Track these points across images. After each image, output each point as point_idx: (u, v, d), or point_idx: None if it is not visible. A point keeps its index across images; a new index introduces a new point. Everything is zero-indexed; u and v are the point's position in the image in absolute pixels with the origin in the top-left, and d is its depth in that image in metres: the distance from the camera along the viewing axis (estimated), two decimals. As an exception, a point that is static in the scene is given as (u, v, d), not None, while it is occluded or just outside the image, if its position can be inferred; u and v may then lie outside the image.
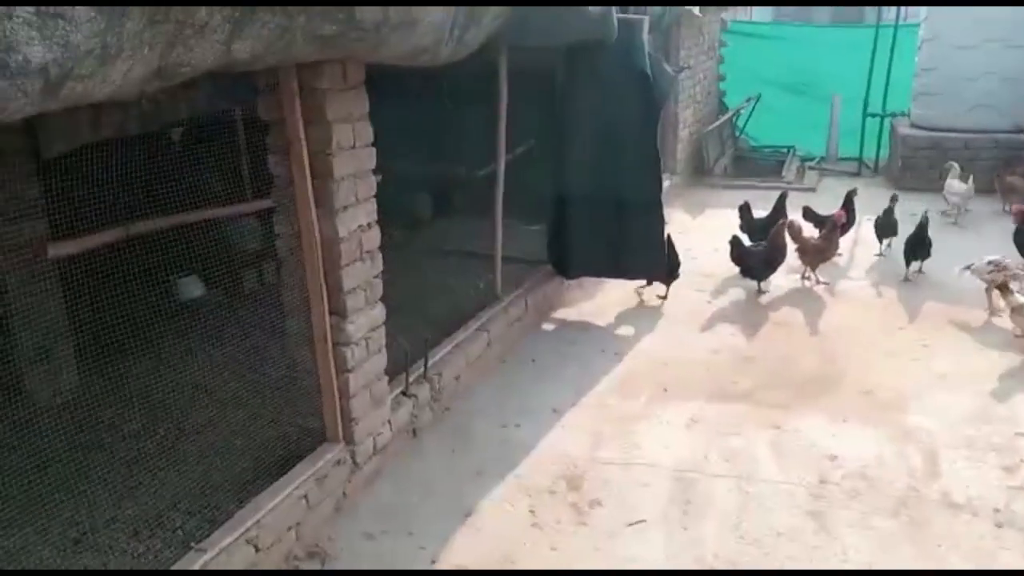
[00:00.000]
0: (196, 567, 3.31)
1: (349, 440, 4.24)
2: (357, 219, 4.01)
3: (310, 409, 4.23)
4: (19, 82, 1.88)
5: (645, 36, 6.19)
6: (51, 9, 1.89)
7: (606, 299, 7.16)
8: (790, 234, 7.25)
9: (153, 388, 4.30)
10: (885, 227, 7.84)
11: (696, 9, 10.36)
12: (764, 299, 7.08)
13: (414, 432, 4.87)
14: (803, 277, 7.39)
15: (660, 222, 6.67)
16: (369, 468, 4.42)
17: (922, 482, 4.35)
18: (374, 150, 4.08)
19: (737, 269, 7.30)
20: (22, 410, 3.84)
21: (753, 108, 12.59)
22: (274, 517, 3.70)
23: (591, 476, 4.49)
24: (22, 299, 4.18)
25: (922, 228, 7.22)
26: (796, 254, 7.33)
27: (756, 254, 7.14)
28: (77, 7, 1.94)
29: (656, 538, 3.95)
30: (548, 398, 5.35)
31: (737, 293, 7.25)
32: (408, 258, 6.69)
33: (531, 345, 6.25)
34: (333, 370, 4.08)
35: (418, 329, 5.25)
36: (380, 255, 4.27)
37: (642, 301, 7.07)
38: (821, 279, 7.35)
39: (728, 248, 7.27)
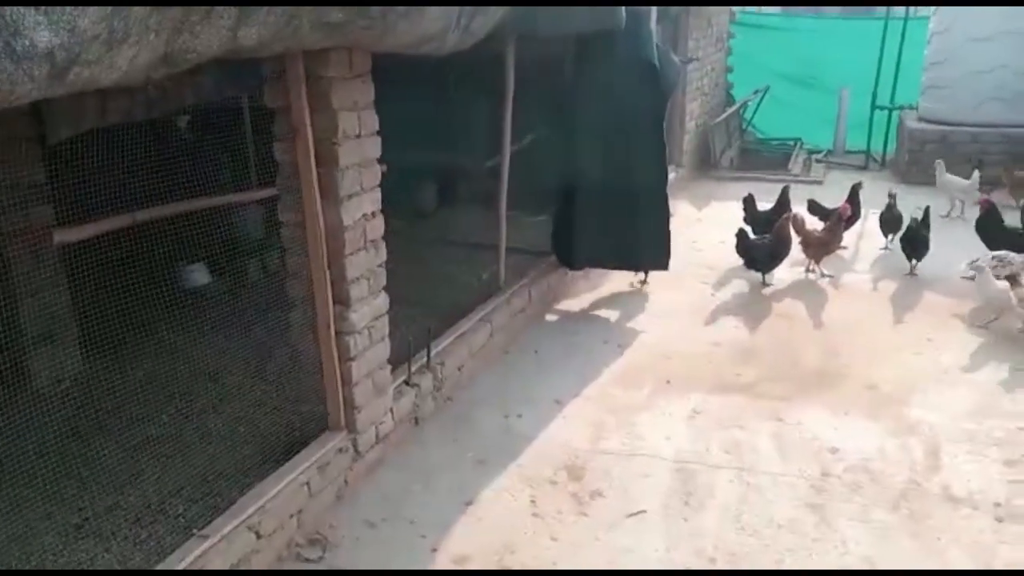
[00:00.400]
0: (198, 552, 3.33)
1: (351, 428, 4.25)
2: (362, 208, 4.01)
3: (313, 397, 4.25)
4: (25, 66, 1.89)
5: (653, 26, 6.18)
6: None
7: (610, 290, 7.16)
8: (794, 227, 7.25)
9: (157, 375, 4.32)
10: (889, 221, 7.82)
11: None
12: (767, 291, 7.08)
13: (416, 421, 4.89)
14: (807, 270, 7.39)
15: (666, 213, 6.66)
16: (371, 456, 4.43)
17: (923, 475, 4.35)
18: (379, 139, 4.07)
19: (741, 261, 7.29)
20: (25, 395, 3.86)
21: (761, 100, 12.55)
22: (276, 504, 3.71)
23: (592, 467, 4.50)
24: (26, 285, 4.19)
25: (918, 225, 7.19)
26: (800, 247, 7.32)
27: (761, 247, 7.13)
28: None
29: (656, 529, 3.96)
30: (550, 389, 5.36)
31: (741, 285, 7.24)
32: (412, 248, 6.70)
33: (534, 336, 6.26)
34: (336, 358, 4.08)
35: (421, 319, 5.27)
36: (384, 244, 4.27)
37: (640, 290, 7.08)
38: (825, 272, 7.35)
39: (734, 240, 7.26)
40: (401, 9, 3.12)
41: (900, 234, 7.54)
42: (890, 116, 11.88)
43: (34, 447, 3.63)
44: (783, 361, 5.75)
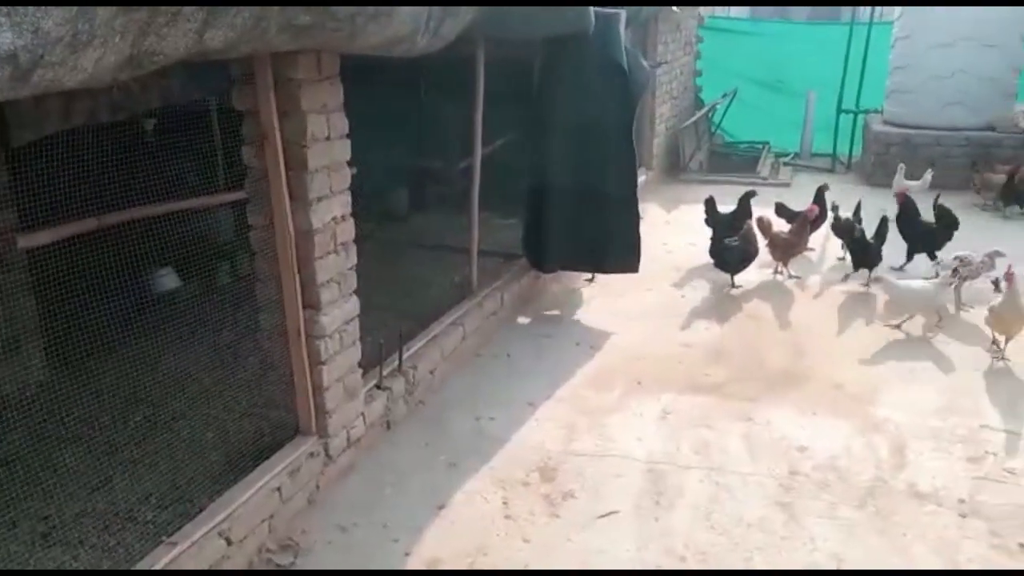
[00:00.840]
0: (167, 559, 3.29)
1: (323, 433, 4.23)
2: (331, 211, 4.00)
3: (284, 402, 4.22)
4: (-13, 68, 1.87)
5: (622, 30, 6.22)
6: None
7: (582, 293, 7.19)
8: (760, 229, 7.35)
9: (125, 381, 4.26)
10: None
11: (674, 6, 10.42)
12: (736, 292, 7.16)
13: (388, 425, 4.87)
14: (775, 271, 7.47)
15: (635, 216, 6.71)
16: (343, 461, 4.42)
17: (889, 473, 4.42)
18: (349, 142, 4.06)
19: (710, 263, 7.37)
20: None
21: (729, 104, 12.68)
22: (246, 510, 3.68)
23: (565, 468, 4.51)
24: (-10, 290, 4.12)
25: (862, 236, 7.23)
26: (767, 248, 7.41)
27: (734, 249, 7.21)
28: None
29: (627, 529, 3.99)
30: (523, 391, 5.37)
31: (710, 287, 7.31)
32: (384, 251, 6.69)
33: (506, 338, 6.27)
34: (307, 363, 4.06)
35: (393, 323, 5.26)
36: (354, 247, 4.25)
37: (586, 286, 7.13)
38: (792, 273, 7.45)
39: (703, 243, 7.33)
40: (370, 11, 3.12)
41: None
42: (855, 120, 12.07)
43: (-1, 455, 3.57)
44: (752, 362, 5.81)
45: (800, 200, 8.39)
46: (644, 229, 6.94)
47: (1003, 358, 5.70)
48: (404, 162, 7.73)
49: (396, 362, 4.99)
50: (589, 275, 7.28)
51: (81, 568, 3.42)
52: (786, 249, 7.34)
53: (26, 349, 4.61)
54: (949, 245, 7.32)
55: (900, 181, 9.05)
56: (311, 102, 3.73)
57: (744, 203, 7.89)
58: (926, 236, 7.47)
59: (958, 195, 9.94)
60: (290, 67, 3.60)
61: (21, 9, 1.89)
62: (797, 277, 7.43)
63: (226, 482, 3.82)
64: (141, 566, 3.25)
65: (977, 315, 6.33)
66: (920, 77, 10.69)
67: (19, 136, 3.59)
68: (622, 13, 6.24)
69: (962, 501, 4.17)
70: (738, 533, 3.94)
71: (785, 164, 12.14)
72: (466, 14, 3.98)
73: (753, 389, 5.38)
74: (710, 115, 12.82)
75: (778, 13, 16.34)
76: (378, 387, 4.79)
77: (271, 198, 3.78)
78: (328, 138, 3.88)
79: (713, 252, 7.27)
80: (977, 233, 7.79)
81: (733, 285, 7.27)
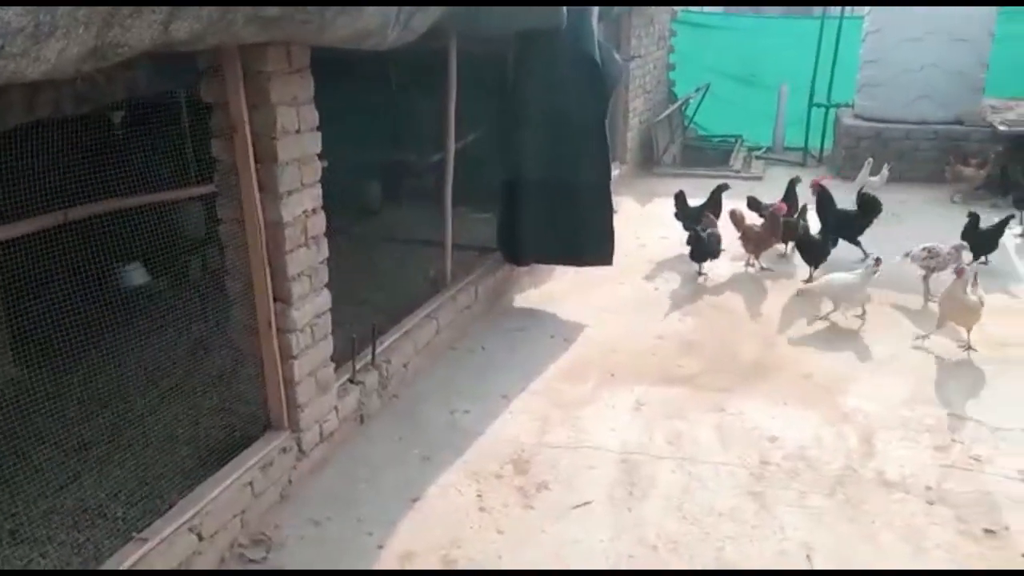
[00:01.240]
0: (137, 556, 3.27)
1: (295, 427, 4.22)
2: (302, 204, 3.97)
3: (255, 397, 4.20)
4: (-55, 59, 1.84)
5: (595, 23, 6.23)
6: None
7: (556, 286, 7.21)
8: (733, 222, 7.43)
9: (95, 377, 4.21)
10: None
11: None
12: (709, 285, 7.22)
13: (361, 419, 4.86)
14: (747, 264, 7.53)
15: (609, 209, 6.73)
16: (316, 455, 4.40)
17: (858, 462, 4.48)
18: (319, 134, 4.04)
19: (684, 256, 7.45)
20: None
21: (702, 98, 12.74)
22: (218, 505, 3.67)
23: (538, 460, 4.53)
24: (-46, 286, 4.05)
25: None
26: (740, 241, 7.48)
27: (709, 237, 7.34)
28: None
29: (601, 519, 4.01)
30: (497, 384, 5.38)
31: (683, 280, 7.36)
32: (357, 245, 6.66)
33: (481, 332, 6.27)
34: (278, 357, 4.05)
35: (366, 316, 5.24)
36: (325, 241, 4.23)
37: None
38: (764, 265, 7.51)
39: (676, 236, 7.39)
40: (339, 4, 3.10)
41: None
42: (827, 113, 12.18)
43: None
44: (724, 353, 5.86)
45: (772, 193, 8.48)
46: (618, 222, 6.96)
47: (963, 346, 5.80)
48: (377, 156, 7.69)
49: (369, 356, 4.98)
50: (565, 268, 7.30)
51: (50, 567, 3.38)
52: (758, 242, 7.41)
53: (-7, 345, 4.55)
54: (891, 234, 7.45)
55: (864, 177, 9.12)
56: (281, 95, 3.70)
57: (715, 196, 7.96)
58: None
59: (929, 188, 10.13)
60: (259, 59, 3.58)
61: (-20, -1, 1.87)
62: (768, 269, 7.50)
63: (197, 478, 3.80)
64: (111, 562, 3.24)
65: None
66: (890, 71, 10.80)
67: (-18, 129, 3.53)
68: (595, 8, 6.25)
69: (929, 488, 4.23)
70: (710, 522, 3.98)
71: (758, 158, 12.22)
72: (436, 8, 3.97)
73: (725, 380, 5.43)
74: (683, 109, 12.88)
75: (751, 11, 16.43)
76: (351, 381, 4.78)
77: (241, 191, 3.75)
78: (298, 131, 3.86)
79: (693, 240, 7.39)
80: (950, 224, 7.87)
81: (700, 273, 7.40)
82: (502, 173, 6.63)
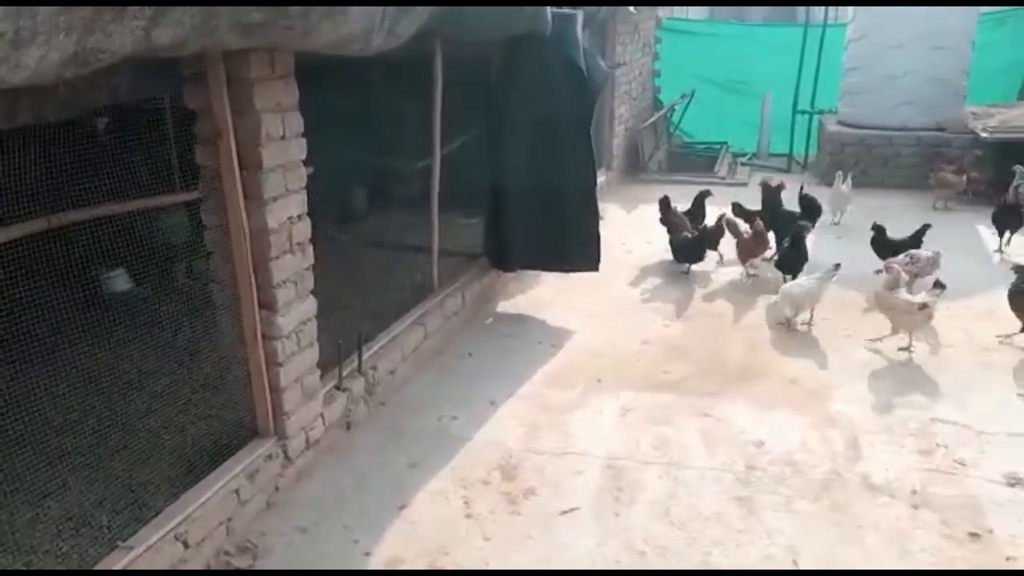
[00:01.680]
0: (122, 564, 3.25)
1: (281, 434, 4.20)
2: (287, 210, 3.96)
3: (241, 404, 4.18)
4: (-75, 65, 1.82)
5: (579, 30, 6.25)
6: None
7: (543, 291, 7.22)
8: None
9: (79, 384, 4.18)
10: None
11: (631, 7, 10.50)
12: (696, 292, 7.23)
13: (348, 426, 4.85)
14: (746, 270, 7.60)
15: (595, 215, 6.75)
16: (302, 462, 4.38)
17: (844, 466, 4.50)
18: (304, 141, 4.03)
19: (669, 262, 7.53)
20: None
21: (687, 105, 12.81)
22: (203, 513, 3.65)
23: (526, 466, 4.53)
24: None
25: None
26: (735, 248, 7.54)
27: (693, 239, 7.49)
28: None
29: (588, 525, 4.01)
30: (485, 390, 5.38)
31: (669, 285, 7.39)
32: (343, 252, 6.64)
33: (468, 338, 6.27)
34: (263, 364, 4.03)
35: (353, 323, 5.23)
36: (311, 247, 4.22)
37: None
38: (751, 272, 7.55)
39: (661, 242, 7.45)
40: (323, 8, 3.10)
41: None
42: (811, 120, 12.27)
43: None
44: (709, 358, 5.88)
45: (757, 199, 8.48)
46: (604, 228, 6.99)
47: (903, 349, 5.91)
48: (363, 161, 7.68)
49: (356, 363, 4.97)
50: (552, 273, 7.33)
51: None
52: (746, 250, 7.46)
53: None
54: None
55: (838, 186, 9.10)
56: (265, 101, 3.69)
57: (698, 203, 8.02)
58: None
59: (909, 195, 10.20)
60: (243, 66, 3.57)
61: (-40, 5, 1.85)
62: (754, 275, 7.53)
63: (183, 485, 3.77)
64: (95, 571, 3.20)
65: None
66: (873, 78, 10.89)
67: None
68: (579, 14, 6.28)
69: (914, 492, 4.25)
70: (696, 527, 3.98)
71: (743, 164, 12.29)
72: (421, 14, 3.98)
73: (711, 385, 5.45)
74: (669, 116, 12.93)
75: (735, 14, 16.53)
76: (337, 388, 4.77)
77: (225, 198, 3.74)
78: (283, 137, 3.85)
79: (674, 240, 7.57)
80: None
81: (686, 272, 7.53)
82: (488, 179, 6.64)
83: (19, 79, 2.15)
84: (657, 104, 13.14)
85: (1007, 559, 3.76)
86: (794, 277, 6.95)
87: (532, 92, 6.21)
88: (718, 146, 12.85)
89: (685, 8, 16.22)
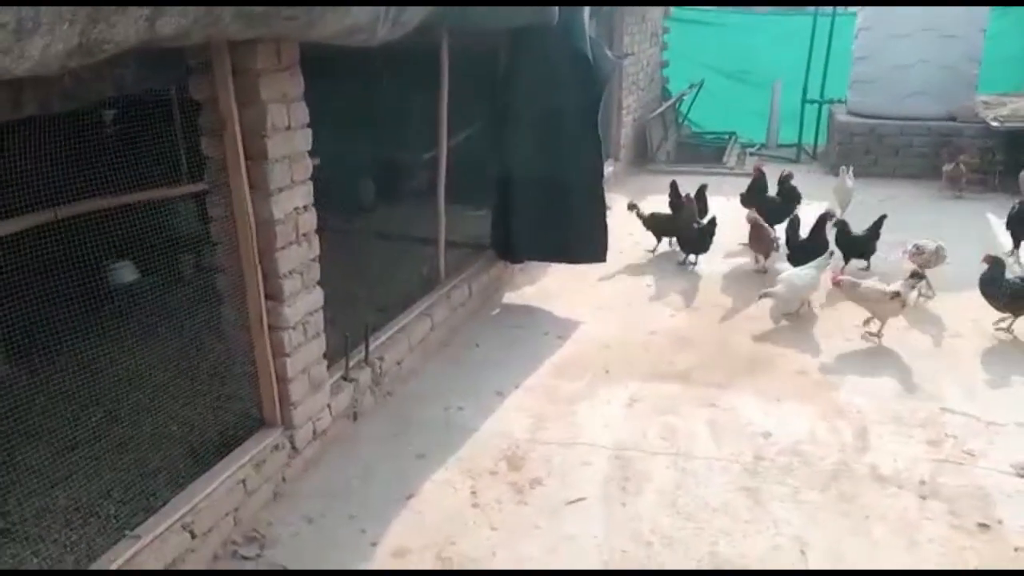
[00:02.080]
0: (130, 554, 3.26)
1: (288, 425, 4.21)
2: (293, 201, 3.96)
3: (248, 394, 4.19)
4: (-72, 55, 1.83)
5: (586, 20, 6.22)
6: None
7: (550, 283, 7.21)
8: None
9: (87, 375, 4.20)
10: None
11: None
12: (702, 282, 7.21)
13: (355, 416, 4.86)
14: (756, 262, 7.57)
15: (602, 206, 6.72)
16: (309, 453, 4.40)
17: (852, 457, 4.48)
18: (310, 131, 4.02)
19: (676, 253, 7.53)
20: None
21: (696, 95, 12.74)
22: (211, 503, 3.66)
23: (533, 456, 4.53)
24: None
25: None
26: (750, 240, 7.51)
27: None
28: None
29: (595, 515, 4.01)
30: (491, 381, 5.38)
31: (676, 276, 7.37)
32: (350, 243, 6.64)
33: (475, 329, 6.27)
34: (270, 354, 4.04)
35: (360, 314, 5.23)
36: (317, 238, 4.22)
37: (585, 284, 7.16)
38: (760, 260, 7.52)
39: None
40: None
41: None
42: (820, 110, 12.19)
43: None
44: (717, 349, 5.86)
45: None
46: (611, 219, 6.97)
47: (872, 334, 5.94)
48: (370, 153, 7.68)
49: (363, 353, 4.97)
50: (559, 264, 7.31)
51: (43, 565, 3.37)
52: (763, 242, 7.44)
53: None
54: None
55: (844, 180, 8.95)
56: (271, 92, 3.69)
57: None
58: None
59: (918, 185, 10.15)
60: (249, 56, 3.56)
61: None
62: (763, 267, 7.51)
63: (190, 475, 3.79)
64: (103, 560, 3.23)
65: (937, 302, 6.45)
66: (882, 68, 10.81)
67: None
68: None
69: (923, 483, 4.24)
70: (704, 518, 3.98)
71: (751, 154, 12.23)
72: (425, 6, 3.96)
73: (718, 376, 5.43)
74: (677, 106, 12.87)
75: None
76: (344, 378, 4.78)
77: (231, 189, 3.74)
78: (289, 128, 3.84)
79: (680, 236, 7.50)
80: (938, 219, 7.89)
81: (687, 263, 7.55)
82: (495, 170, 6.62)
83: (23, 69, 2.15)
84: (665, 94, 13.08)
85: (1015, 550, 3.74)
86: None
87: (539, 83, 6.18)
88: (727, 136, 12.79)
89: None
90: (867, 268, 7.21)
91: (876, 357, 5.68)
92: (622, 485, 4.25)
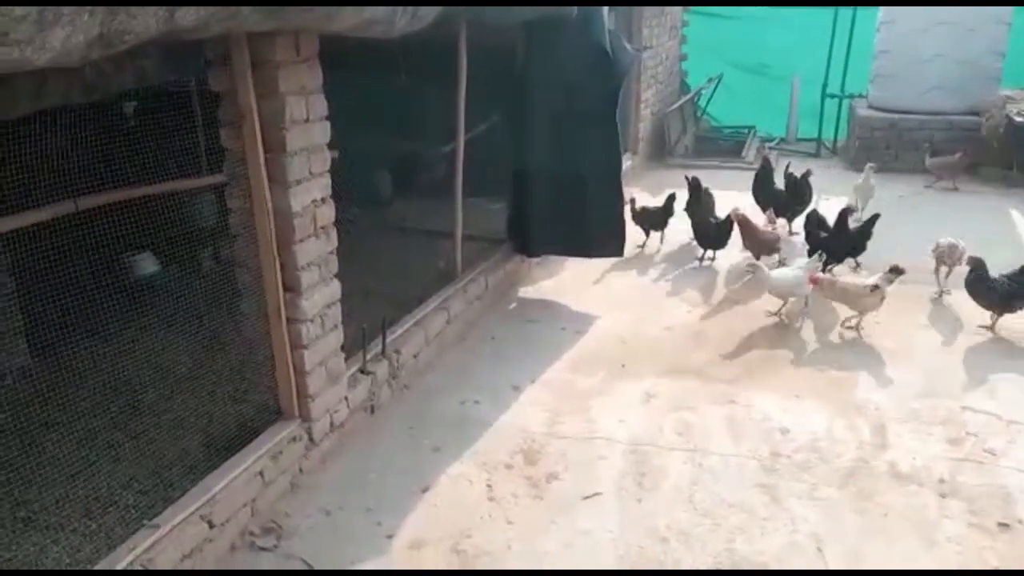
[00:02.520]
0: (148, 543, 3.29)
1: (305, 417, 4.23)
2: (311, 194, 3.97)
3: (266, 386, 4.21)
4: (-49, 46, 1.84)
5: (605, 13, 6.19)
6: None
7: (567, 277, 7.20)
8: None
9: (107, 366, 4.24)
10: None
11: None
12: (720, 279, 7.17)
13: (372, 409, 4.87)
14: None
15: (620, 200, 6.70)
16: (326, 445, 4.41)
17: (870, 454, 4.45)
18: (328, 124, 4.03)
19: (694, 247, 7.49)
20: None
21: (715, 89, 12.66)
22: (228, 493, 3.68)
23: (548, 451, 4.52)
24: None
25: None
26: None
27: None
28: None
29: (611, 510, 4.00)
30: (507, 375, 5.38)
31: (693, 271, 7.33)
32: (367, 236, 6.65)
33: (491, 323, 6.27)
34: (288, 347, 4.05)
35: (377, 307, 5.24)
36: (335, 231, 4.23)
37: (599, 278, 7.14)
38: (779, 258, 7.47)
39: (687, 227, 7.46)
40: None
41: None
42: (840, 104, 12.07)
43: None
44: (733, 345, 5.83)
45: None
46: (629, 213, 6.94)
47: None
48: (388, 146, 7.68)
49: (380, 346, 4.98)
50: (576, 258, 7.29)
51: (63, 554, 3.40)
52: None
53: (7, 334, 4.58)
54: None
55: (868, 179, 8.81)
56: (289, 84, 3.69)
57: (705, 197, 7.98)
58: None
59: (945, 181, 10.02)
60: (268, 48, 3.57)
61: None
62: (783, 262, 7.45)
63: (208, 466, 3.81)
64: (122, 549, 3.25)
65: (957, 301, 6.38)
66: (904, 62, 10.70)
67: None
68: (605, -3, 6.22)
69: (942, 481, 4.20)
70: (720, 514, 3.96)
71: (771, 149, 12.12)
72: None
73: (735, 372, 5.41)
74: (696, 100, 12.79)
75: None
76: (361, 371, 4.79)
77: (250, 181, 3.75)
78: (307, 120, 3.85)
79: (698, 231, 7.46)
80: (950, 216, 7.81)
81: (703, 259, 7.49)
82: (512, 164, 6.61)
83: (44, 60, 2.16)
84: (684, 88, 13.00)
85: (1037, 550, 3.71)
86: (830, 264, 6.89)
87: (557, 76, 6.16)
88: (745, 130, 12.70)
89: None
90: (856, 268, 7.11)
91: (895, 355, 5.62)
92: (638, 480, 4.24)
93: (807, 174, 8.13)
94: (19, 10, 1.93)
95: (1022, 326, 5.95)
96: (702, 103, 12.96)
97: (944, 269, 6.53)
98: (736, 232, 7.22)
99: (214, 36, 2.91)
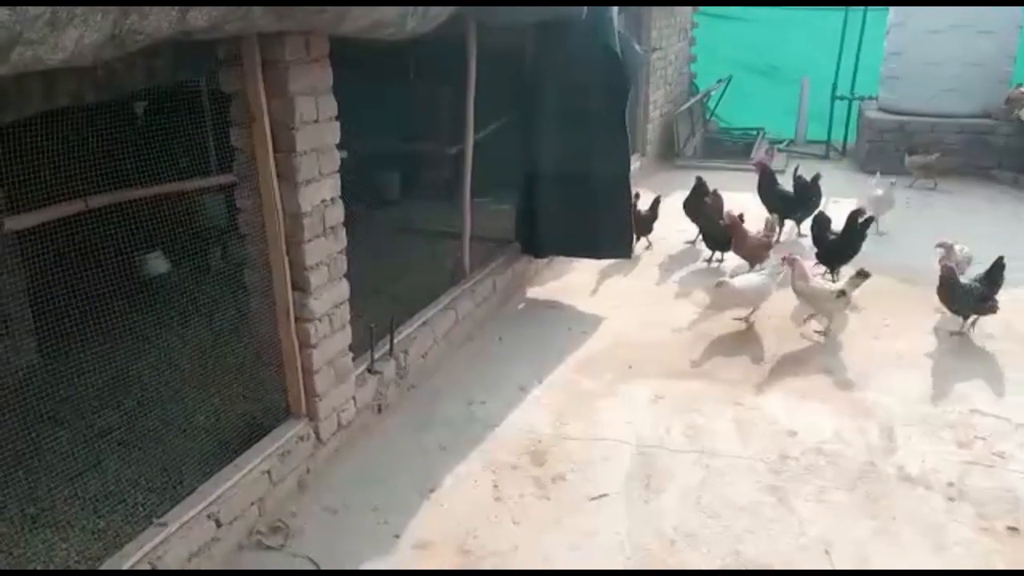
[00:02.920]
0: (157, 541, 3.30)
1: (313, 416, 4.24)
2: (320, 194, 3.98)
3: (274, 385, 4.22)
4: (-35, 46, 1.85)
5: (615, 14, 6.19)
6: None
7: (575, 278, 7.20)
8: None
9: (116, 364, 4.26)
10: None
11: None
12: (726, 278, 7.13)
13: (379, 409, 4.88)
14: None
15: (628, 201, 6.70)
16: (333, 444, 4.42)
17: (879, 457, 4.43)
18: (338, 124, 4.04)
19: (701, 249, 7.51)
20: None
21: (724, 90, 12.65)
22: (236, 492, 3.69)
23: (555, 452, 4.52)
24: (-22, 273, 4.10)
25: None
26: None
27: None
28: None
29: (617, 511, 4.00)
30: (515, 376, 5.38)
31: (701, 273, 7.32)
32: (376, 236, 6.67)
33: (499, 323, 6.27)
34: (296, 346, 4.06)
35: (385, 307, 5.25)
36: (344, 231, 4.24)
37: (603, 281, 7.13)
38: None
39: (694, 229, 7.45)
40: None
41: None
42: (850, 106, 12.05)
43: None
44: (741, 347, 5.82)
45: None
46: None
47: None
48: (396, 146, 7.70)
49: (387, 346, 4.99)
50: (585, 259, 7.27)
51: (71, 551, 3.42)
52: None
53: (16, 331, 4.60)
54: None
55: (890, 192, 8.75)
56: (299, 84, 3.70)
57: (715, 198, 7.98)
58: (784, 204, 7.94)
59: (950, 182, 10.00)
60: (278, 49, 3.57)
61: (-2, -15, 1.88)
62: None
63: (216, 465, 3.82)
64: (129, 547, 3.26)
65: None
66: (914, 64, 10.68)
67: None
68: (615, -2, 6.21)
69: (951, 485, 4.18)
70: (728, 516, 3.95)
71: (780, 150, 12.11)
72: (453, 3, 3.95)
73: (743, 374, 5.40)
74: (705, 101, 12.78)
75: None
76: (369, 371, 4.80)
77: (259, 180, 3.76)
78: (317, 120, 3.86)
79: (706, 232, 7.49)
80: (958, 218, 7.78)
81: (711, 260, 7.50)
82: (521, 164, 6.61)
83: (57, 60, 2.17)
84: (693, 89, 12.99)
85: (1046, 554, 3.69)
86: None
87: (566, 77, 6.16)
88: (754, 132, 12.68)
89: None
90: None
91: (903, 358, 5.61)
92: (645, 482, 4.23)
93: (817, 177, 8.11)
94: (32, 10, 1.94)
95: (1032, 330, 5.93)
96: (711, 104, 12.95)
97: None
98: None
99: (226, 36, 2.92)
